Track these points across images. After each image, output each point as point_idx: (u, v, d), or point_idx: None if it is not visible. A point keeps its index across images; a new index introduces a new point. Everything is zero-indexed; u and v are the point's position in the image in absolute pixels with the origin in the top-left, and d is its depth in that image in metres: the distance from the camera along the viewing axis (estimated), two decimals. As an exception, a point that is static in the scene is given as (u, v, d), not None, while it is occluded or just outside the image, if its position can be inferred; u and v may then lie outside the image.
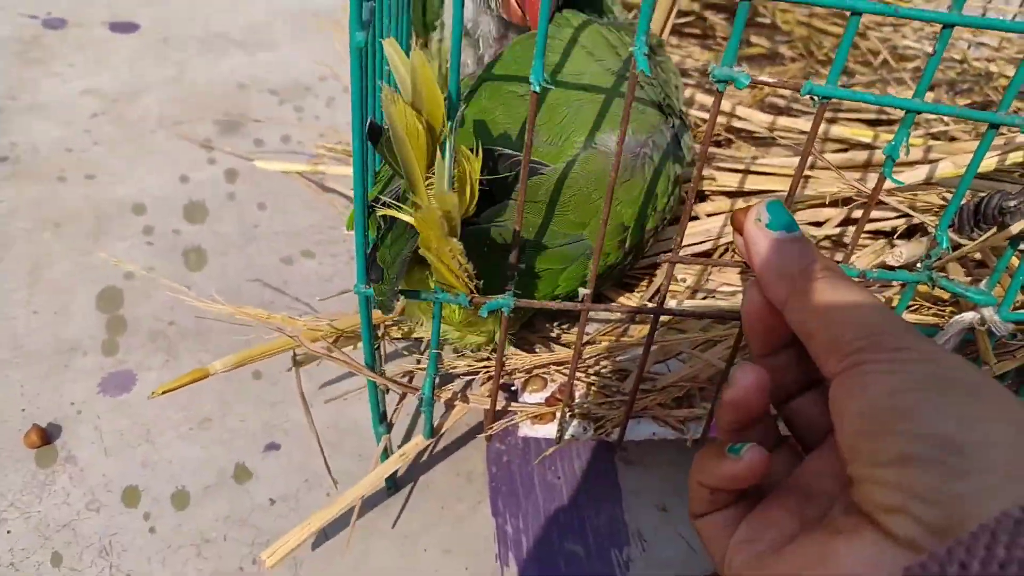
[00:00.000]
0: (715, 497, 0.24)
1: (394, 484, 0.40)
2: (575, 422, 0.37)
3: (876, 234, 0.42)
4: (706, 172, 0.46)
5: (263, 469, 0.40)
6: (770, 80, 0.26)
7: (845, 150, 0.48)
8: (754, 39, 0.62)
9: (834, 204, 0.43)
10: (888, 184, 0.39)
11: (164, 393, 0.33)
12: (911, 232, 0.42)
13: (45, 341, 0.45)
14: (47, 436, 0.40)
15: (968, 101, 0.59)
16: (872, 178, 0.43)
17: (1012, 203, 0.29)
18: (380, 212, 0.28)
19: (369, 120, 0.27)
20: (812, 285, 0.23)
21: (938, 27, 0.55)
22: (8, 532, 0.37)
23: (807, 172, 0.45)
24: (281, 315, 0.38)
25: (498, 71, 0.36)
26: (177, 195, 0.55)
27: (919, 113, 0.26)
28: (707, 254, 0.44)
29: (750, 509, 0.24)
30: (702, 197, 0.46)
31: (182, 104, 0.64)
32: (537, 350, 0.40)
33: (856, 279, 0.26)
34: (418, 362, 0.43)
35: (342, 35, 0.71)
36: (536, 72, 0.25)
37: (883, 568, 0.18)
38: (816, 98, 0.26)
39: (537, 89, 0.25)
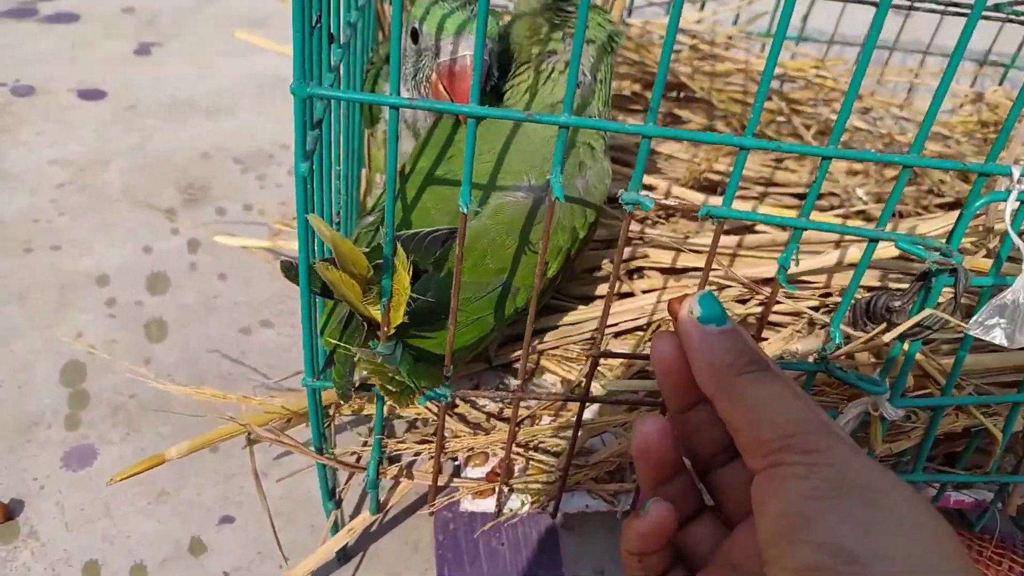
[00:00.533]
0: (644, 564, 0.24)
1: (344, 555, 0.42)
2: (513, 496, 0.39)
3: (797, 315, 0.46)
4: (642, 250, 0.49)
5: (217, 542, 0.42)
6: (672, 203, 0.30)
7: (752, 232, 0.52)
8: (691, 115, 0.66)
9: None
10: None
11: (122, 480, 0.35)
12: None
13: (8, 415, 0.46)
14: (9, 512, 0.41)
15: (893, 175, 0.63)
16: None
17: (897, 303, 0.32)
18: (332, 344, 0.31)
19: (280, 260, 0.30)
20: (738, 380, 0.23)
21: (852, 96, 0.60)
22: (-31, 609, 0.38)
23: (735, 252, 0.49)
24: (237, 395, 0.41)
25: (425, 155, 0.39)
26: (140, 266, 0.57)
27: (805, 229, 0.30)
28: (641, 329, 0.47)
29: None
30: (638, 274, 0.49)
31: (147, 173, 0.67)
32: (482, 423, 0.42)
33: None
34: (365, 444, 0.45)
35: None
36: (464, 196, 0.28)
37: None
38: (713, 218, 0.29)
39: (465, 211, 0.28)
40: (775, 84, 0.67)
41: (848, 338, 0.33)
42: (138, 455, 0.45)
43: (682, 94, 0.66)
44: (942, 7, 0.62)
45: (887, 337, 0.30)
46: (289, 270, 0.31)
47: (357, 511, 0.43)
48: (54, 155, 0.67)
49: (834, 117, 0.67)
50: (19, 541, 0.41)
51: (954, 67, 0.26)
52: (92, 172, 0.66)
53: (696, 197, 0.54)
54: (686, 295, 0.25)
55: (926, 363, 0.36)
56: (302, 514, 0.44)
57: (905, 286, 0.36)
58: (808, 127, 0.65)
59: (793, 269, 0.44)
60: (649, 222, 0.53)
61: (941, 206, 0.59)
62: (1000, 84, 0.75)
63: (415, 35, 0.39)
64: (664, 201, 0.30)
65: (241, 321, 0.54)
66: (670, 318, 0.26)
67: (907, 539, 0.19)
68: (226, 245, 0.56)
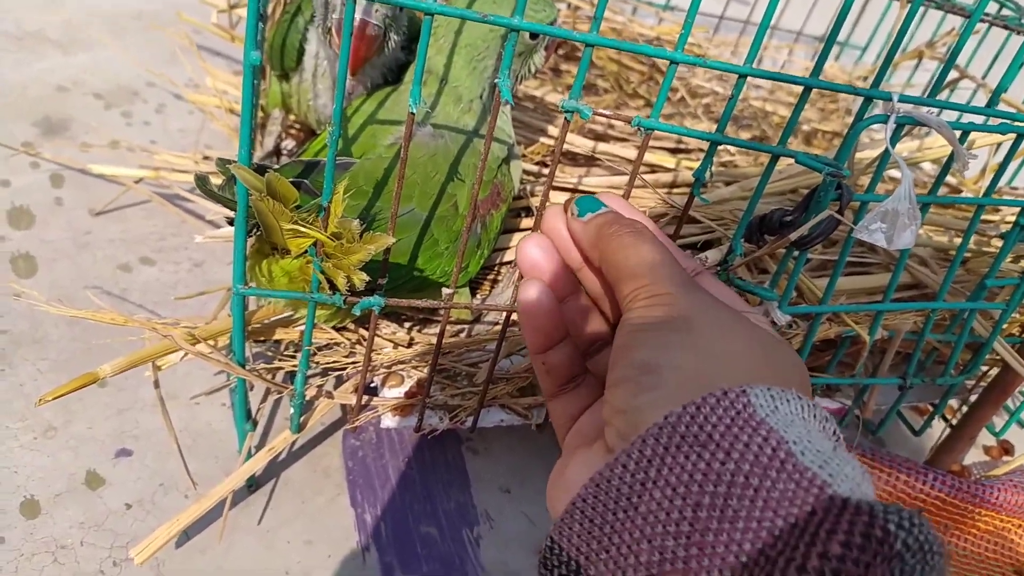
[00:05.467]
0: (548, 367, 0.27)
1: (255, 483, 0.41)
2: (432, 414, 0.40)
3: (685, 247, 0.49)
4: (536, 192, 0.51)
5: (115, 475, 0.40)
6: (607, 112, 0.32)
7: (651, 172, 0.55)
8: (574, 72, 0.68)
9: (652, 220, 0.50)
10: (697, 203, 0.46)
11: (54, 399, 0.32)
12: (708, 244, 0.50)
13: None
14: None
15: (749, 135, 0.69)
16: (677, 198, 0.51)
17: (789, 217, 0.36)
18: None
19: (196, 175, 0.30)
20: (611, 241, 0.26)
21: (733, 76, 0.66)
22: None
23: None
24: (140, 318, 0.39)
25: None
26: (4, 201, 0.53)
27: (720, 144, 0.33)
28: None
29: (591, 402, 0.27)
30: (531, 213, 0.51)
31: (-4, 104, 0.61)
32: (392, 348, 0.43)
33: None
34: (276, 365, 0.44)
35: (168, 39, 0.70)
36: (414, 96, 0.29)
37: (591, 473, 0.21)
38: (642, 129, 0.32)
39: (413, 111, 0.29)
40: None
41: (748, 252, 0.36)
42: (16, 391, 0.42)
43: (561, 51, 0.69)
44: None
45: (789, 239, 0.34)
46: (204, 183, 0.31)
47: (265, 437, 0.43)
48: None
49: (696, 82, 0.73)
50: None
51: None
52: (-73, 100, 0.59)
53: (585, 143, 0.57)
54: (571, 198, 0.28)
55: (805, 281, 0.41)
56: (203, 445, 0.42)
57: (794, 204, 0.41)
58: (675, 91, 0.70)
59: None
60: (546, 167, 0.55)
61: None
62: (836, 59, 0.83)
63: None
64: (601, 112, 0.31)
65: (119, 258, 0.51)
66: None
67: (695, 356, 0.22)
68: (94, 178, 0.52)
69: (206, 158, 0.55)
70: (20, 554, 0.35)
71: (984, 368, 0.50)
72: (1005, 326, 0.46)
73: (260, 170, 0.30)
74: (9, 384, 0.42)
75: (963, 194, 0.62)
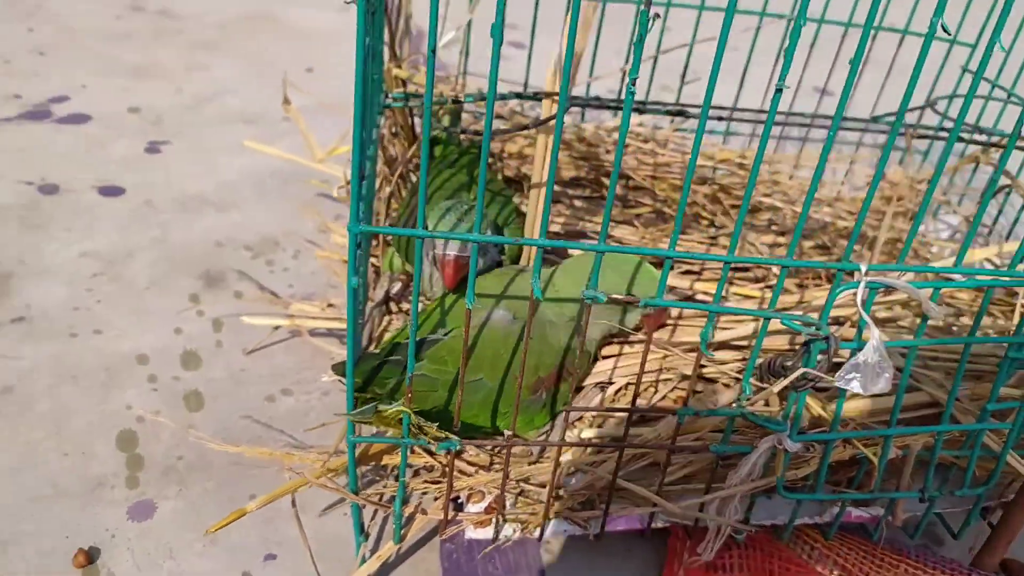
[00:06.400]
0: None
1: (369, 581, 0.51)
2: (507, 525, 0.49)
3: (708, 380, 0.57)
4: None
5: (265, 575, 0.51)
6: (619, 297, 0.41)
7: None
8: (643, 201, 0.78)
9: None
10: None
11: (217, 530, 0.44)
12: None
13: (78, 479, 0.55)
14: (91, 557, 0.50)
15: (812, 243, 0.76)
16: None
17: (788, 363, 0.44)
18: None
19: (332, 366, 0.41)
20: None
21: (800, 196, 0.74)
22: (65, 638, 0.46)
23: (676, 323, 0.60)
24: (278, 451, 0.50)
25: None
26: (174, 346, 0.67)
27: (720, 315, 0.41)
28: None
29: None
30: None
31: (169, 262, 0.76)
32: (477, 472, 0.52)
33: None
34: (385, 488, 0.54)
35: (299, 195, 0.85)
36: (469, 298, 0.39)
37: None
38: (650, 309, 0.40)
39: (470, 306, 0.39)
40: (709, 171, 0.80)
41: (757, 391, 0.44)
42: (190, 506, 0.54)
43: (629, 182, 0.79)
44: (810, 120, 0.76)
45: (775, 388, 0.41)
46: (340, 369, 0.42)
47: (377, 545, 0.53)
48: (83, 249, 0.77)
49: (762, 200, 0.80)
50: (99, 582, 0.49)
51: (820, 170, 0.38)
52: (120, 264, 0.75)
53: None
54: None
55: (816, 408, 0.48)
56: (330, 551, 0.53)
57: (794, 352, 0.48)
58: (736, 207, 0.78)
59: (718, 337, 0.56)
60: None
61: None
62: (900, 163, 0.89)
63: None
64: (615, 296, 0.41)
65: (266, 391, 0.64)
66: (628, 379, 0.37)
67: None
68: (251, 324, 0.66)
69: (330, 305, 0.67)
70: (197, 640, 0.47)
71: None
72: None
73: (369, 366, 0.41)
74: (185, 502, 0.55)
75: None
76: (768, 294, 0.66)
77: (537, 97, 0.62)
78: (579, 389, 0.56)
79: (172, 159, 0.92)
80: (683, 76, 0.81)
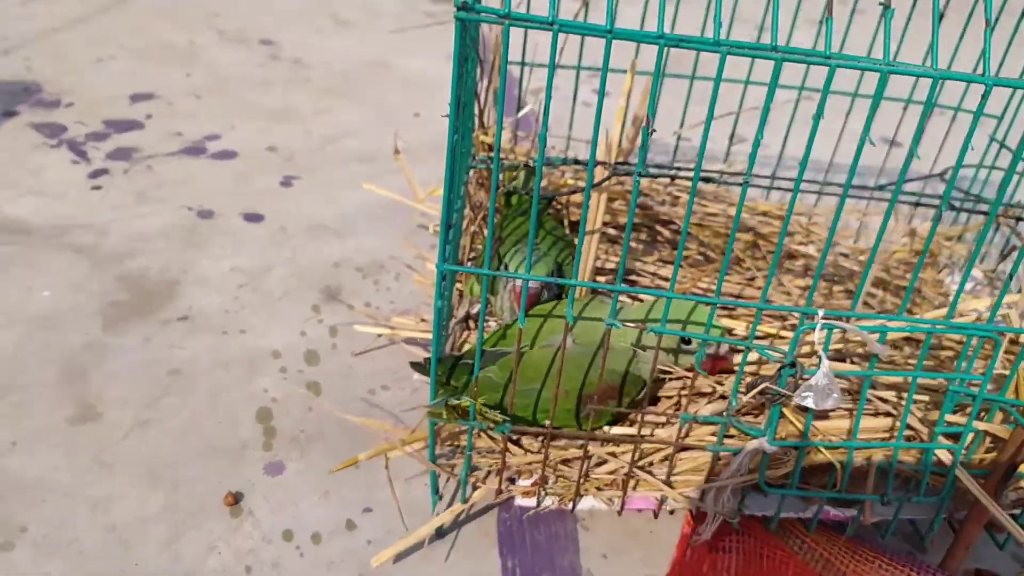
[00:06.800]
0: None
1: (441, 532, 0.66)
2: (547, 498, 0.64)
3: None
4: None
5: (362, 523, 0.67)
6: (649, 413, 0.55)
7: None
8: (689, 245, 0.91)
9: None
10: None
11: (337, 471, 0.60)
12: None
13: (227, 441, 0.73)
14: (237, 498, 0.67)
15: (842, 288, 0.87)
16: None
17: (762, 383, 0.56)
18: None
19: (411, 362, 0.56)
20: None
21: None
22: (219, 553, 0.63)
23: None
24: (382, 423, 0.66)
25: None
26: (299, 345, 0.84)
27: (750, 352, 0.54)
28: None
29: None
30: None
31: (298, 278, 0.94)
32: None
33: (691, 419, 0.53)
34: (455, 460, 0.69)
35: (403, 227, 1.02)
36: (521, 319, 0.54)
37: None
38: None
39: (521, 325, 0.54)
40: (752, 221, 0.92)
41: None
42: (310, 468, 0.71)
43: (672, 227, 0.92)
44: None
45: (746, 398, 0.54)
46: (419, 367, 0.58)
47: (449, 504, 0.68)
48: (232, 264, 0.96)
49: (797, 247, 0.92)
50: (243, 517, 0.66)
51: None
52: (260, 277, 0.94)
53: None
54: None
55: (792, 418, 0.60)
56: (412, 508, 0.68)
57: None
58: (772, 253, 0.90)
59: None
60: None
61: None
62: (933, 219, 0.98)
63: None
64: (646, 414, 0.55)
65: (369, 385, 0.80)
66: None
67: None
68: (360, 331, 0.83)
69: (423, 320, 0.84)
70: (310, 563, 0.63)
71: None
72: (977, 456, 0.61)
73: (447, 366, 0.56)
74: (306, 464, 0.71)
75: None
76: (789, 332, 0.78)
77: (580, 163, 0.77)
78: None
79: (302, 192, 1.11)
80: (731, 138, 0.94)
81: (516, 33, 0.52)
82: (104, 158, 1.13)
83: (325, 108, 1.36)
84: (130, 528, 0.64)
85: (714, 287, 0.84)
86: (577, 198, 0.92)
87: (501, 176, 0.84)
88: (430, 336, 0.82)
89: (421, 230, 1.04)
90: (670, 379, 0.69)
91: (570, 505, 0.63)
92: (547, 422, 0.59)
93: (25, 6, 1.49)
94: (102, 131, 1.19)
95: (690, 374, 0.65)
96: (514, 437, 0.65)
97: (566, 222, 0.89)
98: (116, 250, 0.95)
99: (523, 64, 0.91)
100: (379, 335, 0.84)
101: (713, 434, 0.62)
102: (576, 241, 0.83)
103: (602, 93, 0.45)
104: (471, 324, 0.81)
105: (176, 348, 0.82)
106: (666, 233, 0.91)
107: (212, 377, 0.79)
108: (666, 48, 0.43)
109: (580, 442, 0.65)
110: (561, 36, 0.44)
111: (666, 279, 0.86)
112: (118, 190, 1.06)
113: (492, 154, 0.81)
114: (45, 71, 1.34)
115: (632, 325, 0.62)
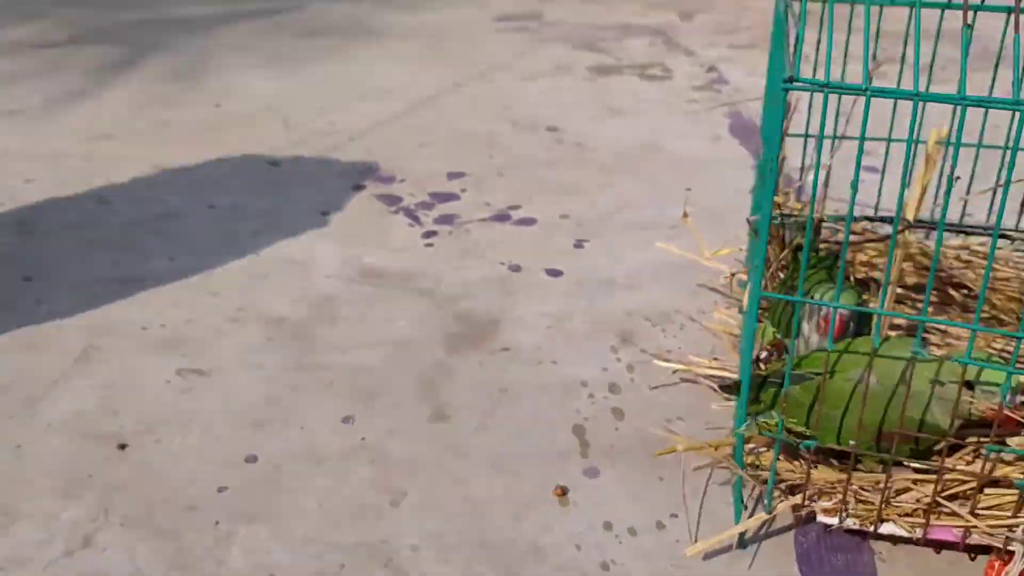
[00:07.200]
0: None
1: (743, 543, 0.74)
2: (848, 519, 0.69)
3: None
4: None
5: (671, 524, 0.76)
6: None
7: None
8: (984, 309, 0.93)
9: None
10: None
11: (659, 456, 0.71)
12: None
13: (550, 449, 0.86)
14: (564, 491, 0.80)
15: None
16: None
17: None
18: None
19: (720, 384, 0.66)
20: None
21: None
22: (553, 531, 0.76)
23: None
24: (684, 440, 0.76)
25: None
26: (602, 378, 0.97)
27: (1021, 372, 0.59)
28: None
29: None
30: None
31: (594, 324, 1.08)
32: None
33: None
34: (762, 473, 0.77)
35: (686, 284, 1.13)
36: (829, 343, 0.62)
37: None
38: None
39: (831, 348, 0.62)
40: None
41: None
42: (620, 475, 0.82)
43: (970, 292, 0.95)
44: None
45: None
46: (728, 388, 0.68)
47: (751, 514, 0.76)
48: (541, 311, 1.11)
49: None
50: (570, 507, 0.78)
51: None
52: (564, 321, 1.09)
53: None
54: None
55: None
56: (711, 516, 0.77)
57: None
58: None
59: None
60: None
61: None
62: None
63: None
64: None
65: (667, 415, 0.90)
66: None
67: None
68: (659, 367, 0.94)
69: (715, 359, 0.93)
70: (626, 548, 0.73)
71: None
72: None
73: (756, 383, 0.65)
74: (617, 472, 0.82)
75: None
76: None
77: (884, 219, 0.84)
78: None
79: (592, 252, 1.27)
80: (1023, 204, 0.96)
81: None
82: (432, 222, 1.36)
83: (606, 183, 1.53)
84: (483, 504, 0.79)
85: (1008, 350, 0.86)
86: (862, 257, 0.98)
87: (792, 232, 0.93)
88: (724, 374, 0.91)
89: (702, 288, 1.14)
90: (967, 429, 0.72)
91: (871, 527, 0.69)
92: (852, 442, 0.66)
93: (362, 104, 1.83)
94: (428, 201, 1.44)
95: (984, 423, 0.68)
96: (815, 460, 0.72)
97: (852, 279, 0.96)
98: (450, 293, 1.15)
99: (805, 135, 1.00)
100: (674, 371, 0.95)
101: (1022, 472, 0.65)
102: (862, 292, 0.89)
103: (909, 148, 0.54)
104: (761, 367, 0.89)
105: (503, 372, 0.98)
106: (957, 296, 0.94)
107: (533, 397, 0.94)
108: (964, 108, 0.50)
109: (882, 468, 0.71)
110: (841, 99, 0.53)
111: (956, 338, 0.89)
112: (446, 247, 1.28)
113: (782, 212, 0.91)
114: (381, 154, 1.63)
115: (933, 358, 0.67)
